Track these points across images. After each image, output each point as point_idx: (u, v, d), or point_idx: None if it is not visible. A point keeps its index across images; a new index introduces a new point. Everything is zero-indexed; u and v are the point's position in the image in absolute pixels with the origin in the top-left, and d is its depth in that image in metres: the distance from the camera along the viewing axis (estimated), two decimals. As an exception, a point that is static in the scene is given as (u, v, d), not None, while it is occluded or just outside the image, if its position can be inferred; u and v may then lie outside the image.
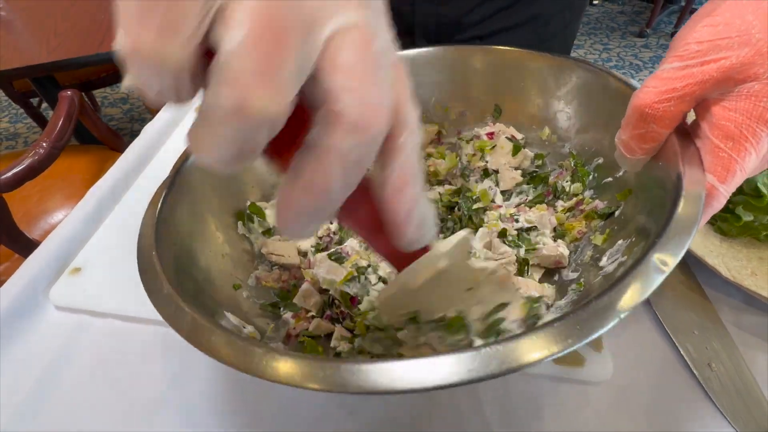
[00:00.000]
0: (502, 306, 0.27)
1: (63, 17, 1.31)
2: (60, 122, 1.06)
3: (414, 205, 0.20)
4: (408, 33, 0.60)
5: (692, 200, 0.26)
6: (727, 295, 0.40)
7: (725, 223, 0.41)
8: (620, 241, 0.33)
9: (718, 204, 0.27)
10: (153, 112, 1.62)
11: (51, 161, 0.98)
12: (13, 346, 0.40)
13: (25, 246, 0.95)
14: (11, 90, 1.81)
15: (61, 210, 1.12)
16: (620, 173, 0.38)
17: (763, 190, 0.39)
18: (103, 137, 1.21)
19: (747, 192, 0.40)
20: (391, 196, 0.20)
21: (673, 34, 2.68)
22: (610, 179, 0.39)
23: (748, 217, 0.39)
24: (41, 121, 1.79)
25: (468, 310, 0.27)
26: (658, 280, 0.22)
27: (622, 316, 0.21)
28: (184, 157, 0.37)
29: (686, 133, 0.29)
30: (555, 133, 0.45)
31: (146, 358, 0.39)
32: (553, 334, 0.21)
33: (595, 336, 0.21)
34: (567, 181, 0.43)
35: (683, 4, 2.63)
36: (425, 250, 0.24)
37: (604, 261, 0.33)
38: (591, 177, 0.41)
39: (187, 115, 0.64)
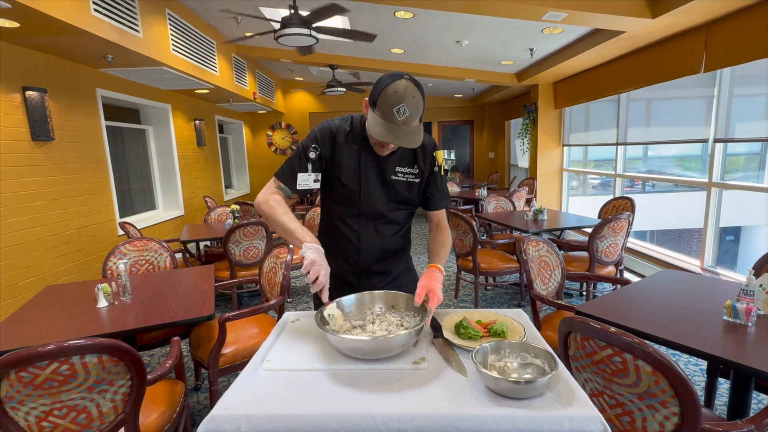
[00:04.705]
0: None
1: (171, 300, 2.38)
2: (174, 356, 2.01)
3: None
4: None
5: (429, 312, 1.37)
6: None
7: (462, 334, 1.46)
8: (417, 318, 1.42)
9: (433, 312, 1.37)
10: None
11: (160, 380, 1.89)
12: (246, 386, 1.29)
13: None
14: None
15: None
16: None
17: (465, 324, 1.46)
18: (177, 371, 2.15)
19: (463, 325, 1.47)
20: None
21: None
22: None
23: (465, 330, 1.45)
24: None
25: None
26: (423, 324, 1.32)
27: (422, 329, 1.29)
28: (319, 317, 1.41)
29: (428, 300, 1.42)
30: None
31: (313, 388, 1.29)
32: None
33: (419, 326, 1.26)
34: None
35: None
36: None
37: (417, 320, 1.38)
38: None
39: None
